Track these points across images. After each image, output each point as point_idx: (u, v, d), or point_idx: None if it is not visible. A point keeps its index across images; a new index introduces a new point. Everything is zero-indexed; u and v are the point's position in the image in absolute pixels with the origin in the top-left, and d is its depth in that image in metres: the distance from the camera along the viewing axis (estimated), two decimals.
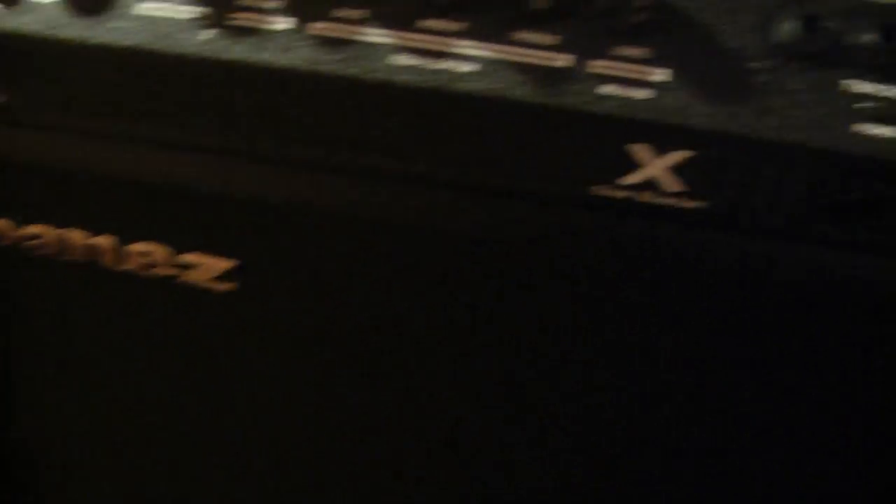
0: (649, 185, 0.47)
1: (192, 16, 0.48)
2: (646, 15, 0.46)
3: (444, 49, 0.47)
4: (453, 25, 0.47)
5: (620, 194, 0.48)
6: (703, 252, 0.49)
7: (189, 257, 0.54)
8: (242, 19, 0.48)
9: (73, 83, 0.49)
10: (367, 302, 0.53)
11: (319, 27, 0.47)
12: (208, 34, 0.48)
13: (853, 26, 0.47)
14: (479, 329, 0.53)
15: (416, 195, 0.49)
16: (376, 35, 0.47)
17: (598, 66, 0.46)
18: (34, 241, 0.54)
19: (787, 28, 0.47)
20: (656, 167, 0.47)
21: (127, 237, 0.54)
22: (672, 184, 0.47)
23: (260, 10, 0.48)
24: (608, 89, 0.46)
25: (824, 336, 0.50)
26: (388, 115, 0.47)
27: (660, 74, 0.46)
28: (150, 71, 0.48)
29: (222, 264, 0.53)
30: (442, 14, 0.47)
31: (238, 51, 0.47)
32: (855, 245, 0.48)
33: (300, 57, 0.47)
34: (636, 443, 0.55)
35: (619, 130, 0.46)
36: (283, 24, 0.48)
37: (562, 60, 0.47)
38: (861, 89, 0.46)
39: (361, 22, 0.47)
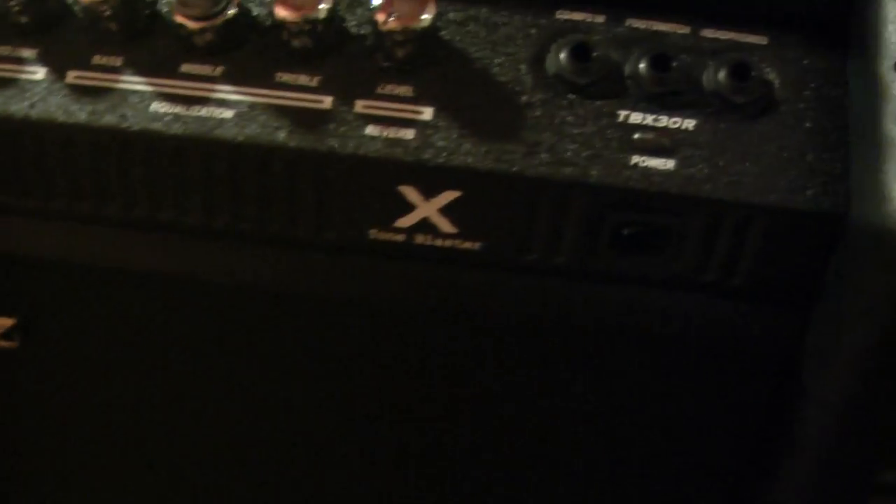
0: (425, 226, 0.47)
1: None
2: (410, 50, 0.45)
3: (205, 95, 0.46)
4: (213, 70, 0.46)
5: (397, 238, 0.47)
6: (484, 293, 0.48)
7: None
8: None
9: None
10: (146, 356, 0.52)
11: (75, 76, 0.46)
12: None
13: (625, 56, 0.47)
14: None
15: (190, 247, 0.48)
16: (134, 82, 0.46)
17: (362, 105, 0.46)
18: None
19: (559, 59, 0.46)
20: (428, 209, 0.46)
21: None
22: (446, 225, 0.46)
23: (14, 60, 0.47)
24: (373, 130, 0.45)
25: (612, 371, 0.50)
26: (151, 164, 0.46)
27: (426, 113, 0.46)
28: None
29: (3, 323, 0.52)
30: (201, 58, 0.46)
31: None
32: (640, 279, 0.47)
33: (57, 107, 0.46)
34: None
35: (388, 172, 0.45)
36: (39, 73, 0.47)
37: (324, 102, 0.46)
38: (635, 120, 0.46)
39: (118, 69, 0.46)
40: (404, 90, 0.46)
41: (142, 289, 0.50)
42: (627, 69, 0.46)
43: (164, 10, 0.47)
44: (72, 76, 0.46)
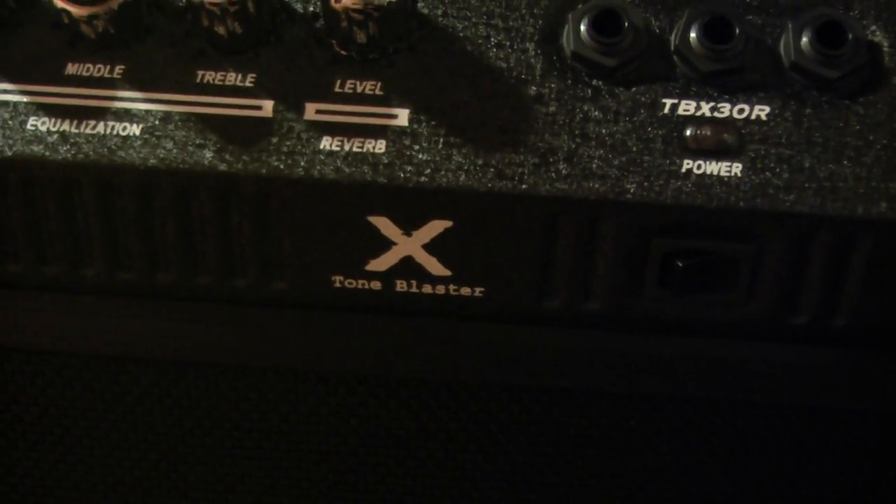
0: (407, 268, 0.39)
1: None
2: (376, 32, 0.38)
3: (101, 104, 0.39)
4: (109, 70, 0.39)
5: (371, 286, 0.40)
6: (490, 353, 0.41)
7: None
8: None
9: None
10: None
11: None
12: None
13: (669, 22, 0.39)
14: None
15: (86, 309, 0.41)
16: (4, 91, 0.39)
17: (314, 110, 0.38)
18: None
19: (579, 33, 0.38)
20: (409, 246, 0.39)
21: None
22: (434, 265, 0.39)
23: None
24: (330, 143, 0.38)
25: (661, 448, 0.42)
26: (30, 201, 0.39)
27: (401, 116, 0.38)
28: None
29: None
30: (93, 55, 0.39)
31: None
32: (702, 325, 0.40)
33: None
34: None
35: (353, 199, 0.38)
36: None
37: (263, 108, 0.38)
38: (686, 110, 0.38)
39: None
40: (370, 87, 0.39)
41: (19, 359, 0.43)
42: (673, 41, 0.39)
43: None
44: None
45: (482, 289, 0.40)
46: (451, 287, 0.40)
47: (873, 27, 0.39)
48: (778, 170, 0.37)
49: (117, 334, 0.42)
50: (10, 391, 0.45)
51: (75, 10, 0.38)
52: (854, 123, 0.38)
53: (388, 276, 0.40)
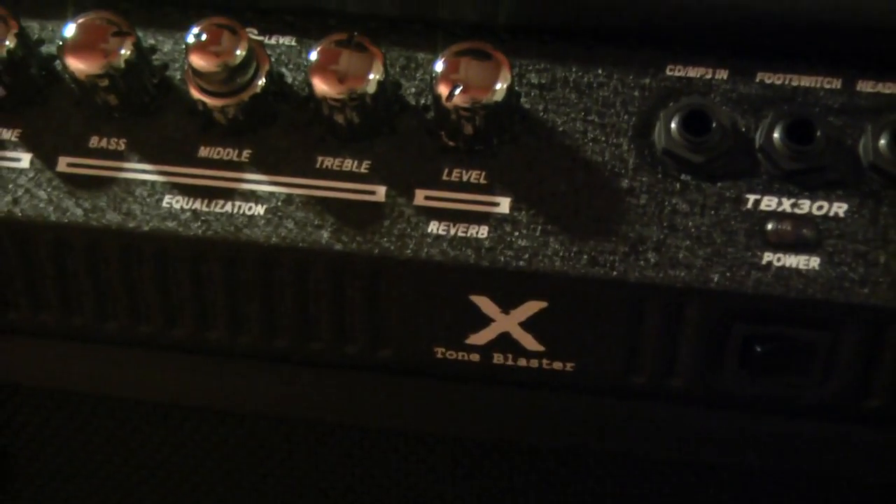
0: (504, 343, 0.45)
1: None
2: (482, 125, 0.44)
3: (229, 186, 0.45)
4: (238, 154, 0.45)
5: (471, 357, 0.46)
6: (581, 423, 0.47)
7: None
8: None
9: None
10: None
11: (68, 163, 0.46)
12: None
13: (755, 122, 0.45)
14: None
15: (211, 370, 0.48)
16: (141, 171, 0.46)
17: (423, 196, 0.44)
18: None
19: (670, 131, 0.44)
20: (507, 323, 0.45)
21: None
22: (530, 342, 0.45)
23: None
24: (437, 227, 0.44)
25: None
26: (164, 272, 0.46)
27: (503, 204, 0.44)
28: None
29: None
30: (223, 139, 0.46)
31: None
32: (780, 406, 0.45)
33: (47, 202, 0.46)
34: None
35: (457, 279, 0.44)
36: (23, 160, 0.46)
37: (377, 193, 0.45)
38: (768, 206, 0.44)
39: (121, 154, 0.46)
40: (475, 176, 0.44)
41: (149, 419, 0.50)
42: (758, 140, 0.44)
43: (177, 77, 0.47)
44: (64, 163, 0.46)
45: (573, 364, 0.45)
46: (545, 361, 0.45)
47: None
48: (854, 264, 0.42)
49: (241, 393, 0.48)
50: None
51: (210, 101, 0.44)
52: None
53: (486, 350, 0.45)
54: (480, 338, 0.45)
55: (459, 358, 0.46)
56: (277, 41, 0.47)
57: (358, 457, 0.50)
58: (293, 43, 0.47)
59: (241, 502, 0.52)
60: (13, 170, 0.46)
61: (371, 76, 0.43)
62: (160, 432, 0.51)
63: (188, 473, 0.53)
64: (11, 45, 0.45)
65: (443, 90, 0.42)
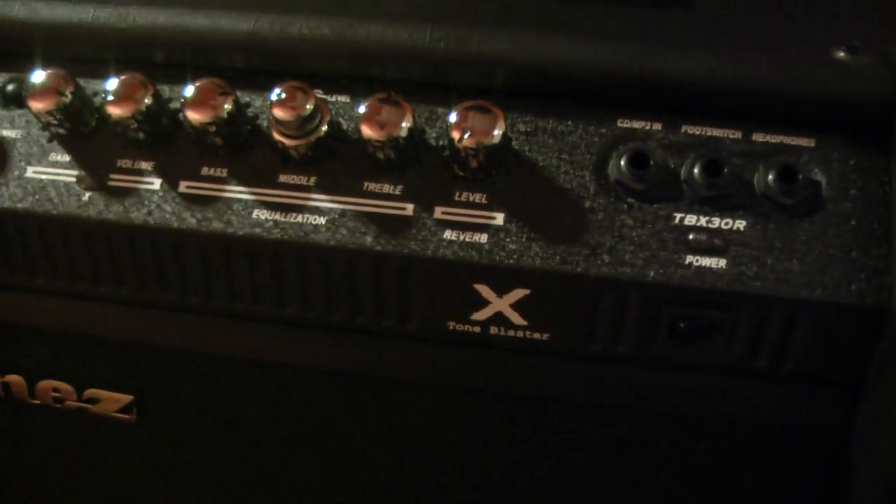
0: (498, 319, 0.53)
1: (74, 179, 0.55)
2: (484, 161, 0.52)
3: (300, 203, 0.53)
4: (307, 180, 0.53)
5: (474, 329, 0.54)
6: (552, 378, 0.55)
7: (93, 392, 0.61)
8: (119, 180, 0.55)
9: None
10: (244, 434, 0.60)
11: (186, 186, 0.54)
12: (88, 196, 0.55)
13: (681, 161, 0.52)
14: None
15: (287, 336, 0.56)
16: (237, 192, 0.54)
17: (440, 212, 0.52)
18: None
19: (620, 166, 0.52)
20: (501, 304, 0.53)
21: (34, 376, 0.61)
22: (517, 318, 0.53)
23: (135, 172, 0.55)
24: (450, 234, 0.52)
25: (668, 452, 0.56)
26: (253, 265, 0.54)
27: (498, 218, 0.52)
28: (41, 230, 0.55)
29: (122, 399, 0.60)
30: (296, 169, 0.53)
31: (114, 211, 0.54)
32: (696, 366, 0.53)
33: (171, 214, 0.54)
34: None
35: (464, 273, 0.52)
36: (155, 184, 0.54)
37: (406, 209, 0.52)
38: (690, 222, 0.51)
39: (224, 180, 0.54)
40: (479, 197, 0.53)
41: (243, 373, 0.58)
42: (683, 174, 0.52)
43: (264, 124, 0.55)
44: (183, 186, 0.54)
45: (548, 334, 0.53)
46: (527, 332, 0.53)
47: (816, 169, 0.52)
48: (750, 265, 0.50)
49: (307, 353, 0.56)
50: None
51: (287, 142, 0.53)
52: (801, 235, 0.51)
53: (485, 324, 0.54)
54: (481, 315, 0.54)
55: (466, 330, 0.54)
56: (336, 99, 0.55)
57: (386, 405, 0.57)
58: (347, 100, 0.54)
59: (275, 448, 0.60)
60: (148, 190, 0.54)
61: (404, 124, 0.51)
62: (244, 385, 0.58)
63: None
64: (149, 102, 0.53)
65: (455, 135, 0.51)
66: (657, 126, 0.53)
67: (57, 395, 0.61)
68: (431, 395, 0.57)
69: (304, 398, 0.59)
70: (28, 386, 0.61)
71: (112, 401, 0.61)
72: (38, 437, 0.65)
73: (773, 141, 0.53)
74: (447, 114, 0.53)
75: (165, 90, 0.56)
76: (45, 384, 0.61)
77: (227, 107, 0.53)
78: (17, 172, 0.56)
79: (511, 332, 0.54)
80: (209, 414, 0.61)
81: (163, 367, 0.59)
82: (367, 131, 0.51)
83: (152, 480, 0.64)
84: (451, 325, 0.54)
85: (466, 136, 0.51)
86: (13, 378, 0.61)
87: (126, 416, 0.61)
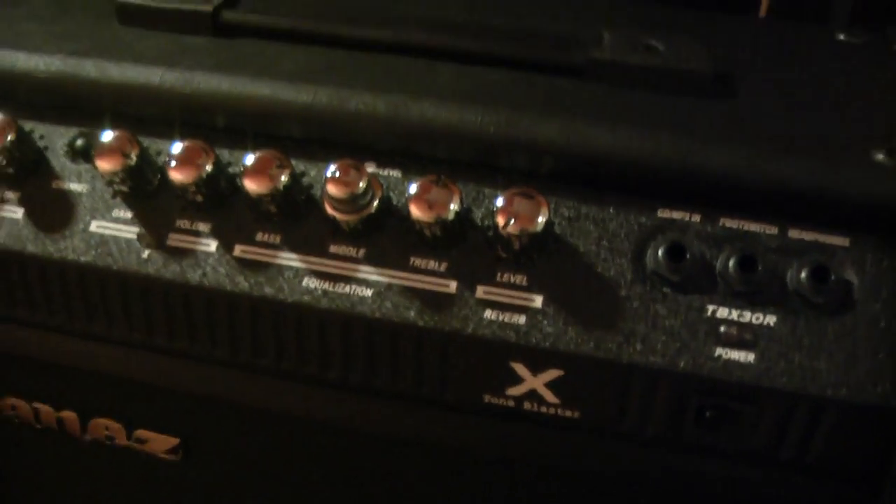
0: (532, 395, 0.56)
1: (135, 237, 0.58)
2: (526, 244, 0.54)
3: (349, 274, 0.56)
4: (356, 251, 0.56)
5: (508, 403, 0.56)
6: (581, 454, 0.57)
7: (142, 433, 0.64)
8: (177, 240, 0.58)
9: (36, 288, 0.60)
10: (289, 483, 0.63)
11: (241, 250, 0.57)
12: (147, 254, 0.58)
13: (717, 254, 0.54)
14: None
15: (328, 397, 0.59)
16: (289, 259, 0.57)
17: (482, 291, 0.55)
18: (11, 412, 0.66)
19: (657, 257, 0.54)
20: (535, 382, 0.55)
21: (88, 414, 0.64)
22: (550, 396, 0.55)
23: (193, 233, 0.58)
24: (490, 314, 0.54)
25: None
26: (300, 330, 0.57)
27: (537, 301, 0.54)
28: (101, 283, 0.59)
29: (170, 441, 0.64)
30: (346, 240, 0.56)
31: (171, 270, 0.57)
32: (720, 452, 0.55)
33: (225, 276, 0.57)
34: None
35: (501, 351, 0.54)
36: (211, 246, 0.57)
37: (450, 286, 0.55)
38: (722, 315, 0.53)
39: (277, 246, 0.57)
40: (519, 279, 0.55)
41: (284, 428, 0.61)
42: (718, 266, 0.54)
43: (318, 194, 0.57)
44: (238, 250, 0.57)
45: (578, 413, 0.56)
46: (559, 410, 0.55)
47: (849, 269, 0.53)
48: (777, 361, 0.52)
49: (349, 415, 0.59)
50: None
51: (339, 216, 0.55)
52: (830, 334, 0.52)
53: (519, 399, 0.56)
54: (515, 391, 0.56)
55: (500, 403, 0.56)
56: (388, 173, 0.57)
57: (422, 470, 0.60)
58: (399, 175, 0.57)
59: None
60: (205, 252, 0.57)
61: (451, 207, 0.53)
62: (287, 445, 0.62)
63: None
64: (209, 169, 0.56)
65: (501, 220, 0.53)
66: (696, 218, 0.55)
67: (108, 432, 0.65)
68: (463, 462, 0.60)
69: (340, 457, 0.62)
70: (81, 422, 0.65)
71: (160, 441, 0.64)
72: (85, 470, 0.69)
73: (808, 238, 0.54)
74: (494, 194, 0.55)
75: (225, 154, 0.59)
76: (98, 422, 0.64)
77: (284, 179, 0.55)
78: (81, 226, 0.59)
79: (543, 409, 0.56)
80: (250, 463, 0.64)
81: (209, 415, 0.63)
82: (415, 212, 0.53)
83: None
84: (487, 397, 0.56)
85: (511, 222, 0.53)
86: (67, 414, 0.65)
87: (172, 457, 0.64)
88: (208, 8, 0.64)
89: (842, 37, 0.68)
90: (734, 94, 0.60)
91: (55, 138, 0.61)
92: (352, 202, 0.55)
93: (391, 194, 0.57)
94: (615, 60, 0.60)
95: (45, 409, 0.65)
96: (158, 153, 0.59)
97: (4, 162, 0.59)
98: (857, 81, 0.63)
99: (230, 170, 0.58)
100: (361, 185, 0.54)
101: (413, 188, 0.54)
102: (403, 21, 0.64)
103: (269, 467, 0.64)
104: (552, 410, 0.56)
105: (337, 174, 0.54)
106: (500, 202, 0.53)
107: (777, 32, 0.69)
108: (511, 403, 0.56)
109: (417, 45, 0.62)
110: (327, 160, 0.57)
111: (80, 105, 0.61)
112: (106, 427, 0.64)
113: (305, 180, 0.58)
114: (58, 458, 0.68)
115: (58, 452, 0.68)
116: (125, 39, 0.63)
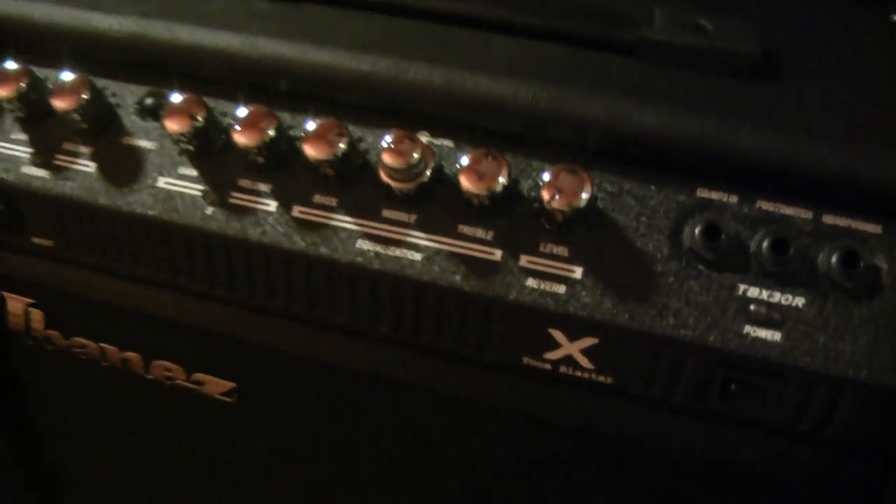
0: (568, 360, 0.59)
1: (200, 193, 0.62)
2: (570, 217, 0.57)
3: (400, 238, 0.59)
4: (408, 217, 0.59)
5: (545, 366, 0.60)
6: (613, 417, 0.60)
7: (200, 376, 0.68)
8: (239, 199, 0.61)
9: (105, 237, 0.64)
10: (335, 430, 0.67)
11: (299, 210, 0.60)
12: (211, 210, 0.61)
13: (751, 235, 0.57)
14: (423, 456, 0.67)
15: (376, 350, 0.62)
16: (344, 221, 0.60)
17: (525, 260, 0.58)
18: (79, 349, 0.70)
19: (693, 235, 0.57)
20: (571, 348, 0.58)
21: (150, 356, 0.69)
22: (585, 362, 0.59)
23: (254, 192, 0.61)
24: (532, 282, 0.57)
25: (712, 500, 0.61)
26: (353, 289, 0.60)
27: (577, 272, 0.57)
28: (166, 235, 0.63)
29: (225, 385, 0.68)
30: (399, 206, 0.59)
31: (233, 227, 0.61)
32: (742, 422, 0.58)
33: (283, 235, 0.60)
34: None
35: (542, 318, 0.58)
36: (271, 206, 0.61)
37: (495, 254, 0.58)
38: (752, 294, 0.56)
39: (333, 209, 0.60)
40: (561, 250, 0.57)
41: (334, 379, 0.65)
42: (752, 247, 0.56)
43: (373, 159, 0.60)
44: (296, 210, 0.60)
45: (612, 378, 0.59)
46: (593, 375, 0.59)
47: (879, 255, 0.55)
48: (803, 340, 0.55)
49: (395, 368, 0.63)
50: None
51: (393, 184, 0.58)
52: (856, 317, 0.55)
53: (556, 363, 0.59)
54: (553, 355, 0.59)
55: (538, 366, 0.59)
56: (441, 143, 0.60)
57: (459, 425, 0.64)
58: (451, 145, 0.59)
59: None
60: (265, 211, 0.60)
61: (500, 179, 0.56)
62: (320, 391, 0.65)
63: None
64: (272, 134, 0.59)
65: (546, 195, 0.56)
66: (733, 199, 0.57)
67: (168, 373, 0.69)
68: (499, 419, 0.64)
69: (382, 409, 0.65)
70: (144, 363, 0.69)
71: (216, 384, 0.68)
72: (146, 407, 0.73)
73: (842, 224, 0.56)
74: (541, 167, 0.58)
75: (286, 118, 0.62)
76: (159, 363, 0.69)
77: (342, 146, 0.58)
78: (149, 181, 0.63)
79: (578, 373, 0.59)
80: (299, 409, 0.68)
81: (261, 362, 0.67)
82: (465, 183, 0.56)
83: (244, 458, 0.73)
84: (525, 359, 0.60)
85: (556, 197, 0.56)
86: (131, 355, 0.69)
87: (227, 399, 0.69)
88: None
89: (895, 18, 0.69)
90: (780, 77, 0.62)
91: (126, 96, 0.64)
92: (406, 171, 0.58)
93: (443, 163, 0.60)
94: (664, 40, 0.62)
95: (111, 349, 0.69)
96: (223, 114, 0.63)
97: (79, 118, 0.63)
98: None
99: (291, 133, 0.61)
100: (415, 155, 0.57)
101: (464, 160, 0.57)
102: None
103: (316, 414, 0.68)
104: (586, 375, 0.59)
105: (392, 145, 0.57)
106: (546, 176, 0.56)
107: (828, 10, 0.70)
108: (548, 367, 0.59)
109: (474, 16, 0.65)
110: (384, 127, 0.60)
111: (150, 65, 0.64)
112: (167, 368, 0.69)
113: (362, 146, 0.61)
114: (120, 393, 0.73)
115: (120, 388, 0.73)
116: (195, 1, 0.66)
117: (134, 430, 0.75)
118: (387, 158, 0.57)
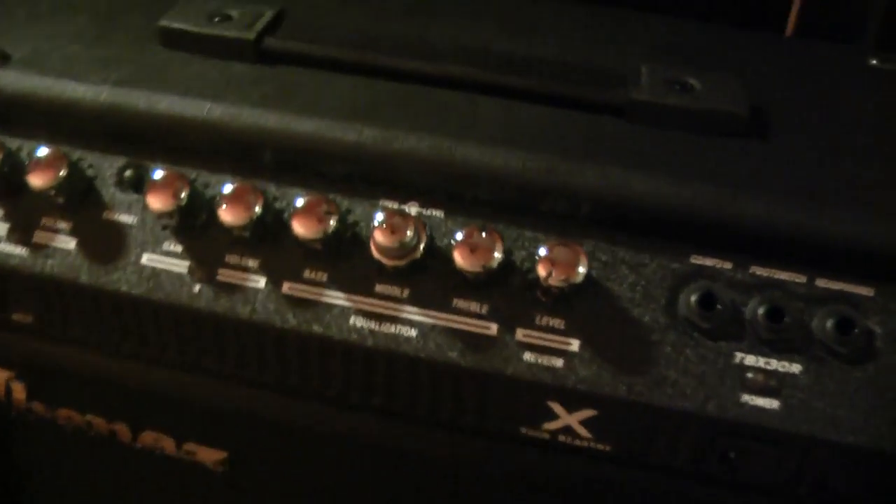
0: (567, 430, 0.59)
1: (186, 271, 0.61)
2: (566, 290, 0.57)
3: (394, 314, 0.59)
4: (401, 292, 0.59)
5: (543, 435, 0.60)
6: (612, 484, 0.61)
7: (191, 446, 0.68)
8: (226, 276, 0.61)
9: (88, 314, 0.63)
10: (329, 500, 0.67)
11: (289, 287, 0.60)
12: (198, 288, 0.61)
13: (746, 301, 0.57)
14: None
15: (369, 421, 0.62)
16: (336, 297, 0.59)
17: (522, 334, 0.58)
18: (64, 421, 0.69)
19: (689, 303, 0.57)
20: (570, 420, 0.59)
21: (139, 426, 0.68)
22: (584, 432, 0.59)
23: (242, 268, 0.61)
24: (529, 357, 0.58)
25: None
26: (346, 366, 0.60)
27: (574, 344, 0.58)
28: (153, 314, 0.62)
29: (217, 454, 0.68)
30: (392, 281, 0.59)
31: (222, 305, 0.60)
32: (741, 485, 0.59)
33: (273, 313, 0.60)
34: None
35: (540, 392, 0.58)
36: (260, 282, 0.60)
37: (491, 329, 0.58)
38: (749, 362, 0.57)
39: (324, 284, 0.60)
40: (557, 322, 0.57)
41: (329, 448, 0.65)
42: (747, 314, 0.56)
43: (363, 232, 0.60)
44: (286, 287, 0.59)
45: (610, 446, 0.59)
46: (591, 443, 0.59)
47: (872, 319, 0.56)
48: (800, 407, 0.55)
49: (394, 438, 0.63)
50: None
51: (386, 261, 0.58)
52: (853, 382, 0.55)
53: (554, 433, 0.59)
54: (552, 426, 0.59)
55: (536, 435, 0.59)
56: (431, 213, 0.59)
57: (456, 492, 0.64)
58: (441, 215, 0.59)
59: None
60: (254, 288, 0.59)
61: (495, 254, 0.56)
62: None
63: None
64: (258, 211, 0.58)
65: (542, 271, 0.55)
66: (727, 265, 0.57)
67: (158, 444, 0.68)
68: (498, 485, 0.64)
69: (378, 478, 0.65)
70: (132, 434, 0.69)
71: (207, 453, 0.68)
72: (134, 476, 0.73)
73: (835, 288, 0.57)
74: (534, 237, 0.58)
75: (272, 188, 0.61)
76: (148, 434, 0.68)
77: (332, 223, 0.58)
78: (132, 258, 0.61)
79: (577, 442, 0.59)
80: (292, 480, 0.68)
81: (254, 432, 0.66)
82: (460, 260, 0.56)
83: None
84: (524, 430, 0.60)
85: (553, 273, 0.55)
86: (119, 426, 0.69)
87: (219, 468, 0.69)
88: (251, 36, 0.66)
89: (874, 62, 0.70)
90: (769, 136, 0.62)
91: (104, 168, 0.63)
92: (398, 249, 0.57)
93: (434, 236, 0.59)
94: (652, 101, 0.62)
95: (97, 420, 0.69)
96: (206, 185, 0.62)
97: (54, 193, 0.62)
98: (893, 116, 0.65)
99: (277, 205, 0.61)
100: (409, 233, 0.57)
101: (458, 236, 0.56)
102: (445, 52, 0.66)
103: (310, 483, 0.68)
104: (585, 443, 0.59)
105: (384, 223, 0.57)
106: (542, 251, 0.56)
107: (809, 56, 0.71)
108: (546, 436, 0.59)
109: (460, 78, 0.64)
110: (372, 197, 0.59)
111: (128, 135, 0.63)
112: (156, 438, 0.68)
113: (351, 218, 0.60)
114: (109, 462, 0.73)
115: (109, 457, 0.72)
116: (170, 66, 0.65)
117: (123, 499, 0.74)
118: (379, 237, 0.57)
